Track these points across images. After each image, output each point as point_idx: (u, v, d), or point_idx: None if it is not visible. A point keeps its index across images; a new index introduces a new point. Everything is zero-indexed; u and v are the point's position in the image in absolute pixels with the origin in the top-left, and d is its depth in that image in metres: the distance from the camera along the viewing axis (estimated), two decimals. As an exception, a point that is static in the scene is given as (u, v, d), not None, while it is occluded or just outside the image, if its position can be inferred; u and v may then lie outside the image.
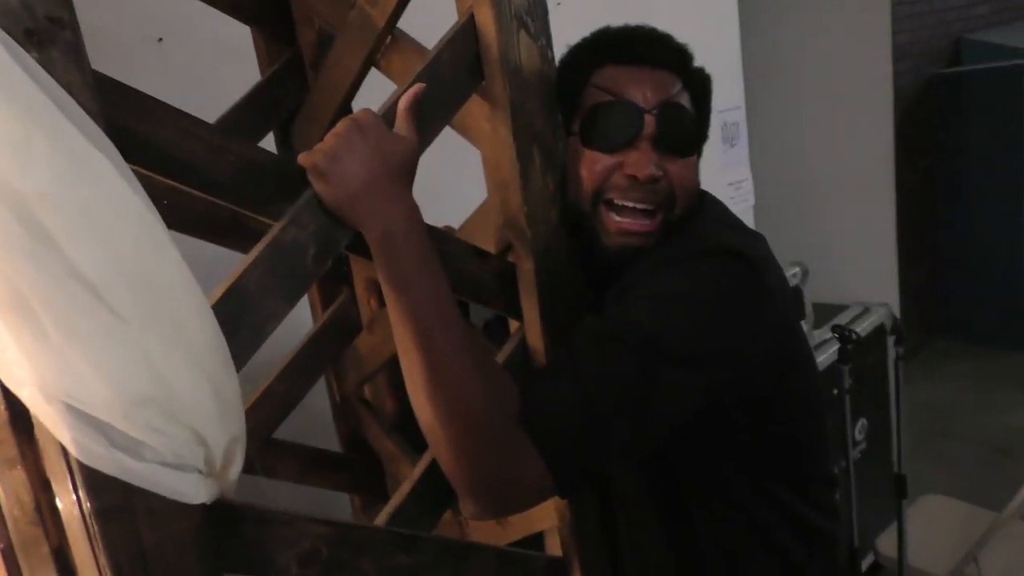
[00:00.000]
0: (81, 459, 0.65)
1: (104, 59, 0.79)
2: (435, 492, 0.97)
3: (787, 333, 1.02)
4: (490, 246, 1.03)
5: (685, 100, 0.97)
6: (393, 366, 1.35)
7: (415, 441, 1.22)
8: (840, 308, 2.56)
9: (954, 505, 2.27)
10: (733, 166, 3.55)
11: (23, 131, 0.59)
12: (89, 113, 0.63)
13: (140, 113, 0.72)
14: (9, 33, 0.60)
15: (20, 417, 1.04)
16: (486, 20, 0.92)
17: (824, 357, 2.05)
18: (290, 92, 1.26)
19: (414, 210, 0.87)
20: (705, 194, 1.06)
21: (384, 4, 1.03)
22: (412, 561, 0.91)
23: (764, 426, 1.01)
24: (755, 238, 1.02)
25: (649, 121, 0.93)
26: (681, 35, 1.01)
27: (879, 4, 4.08)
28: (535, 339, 0.99)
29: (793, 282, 2.03)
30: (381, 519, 0.93)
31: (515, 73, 0.93)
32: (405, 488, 0.95)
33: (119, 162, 0.64)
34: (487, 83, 0.94)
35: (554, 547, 1.07)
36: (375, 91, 1.09)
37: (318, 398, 1.43)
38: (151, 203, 0.66)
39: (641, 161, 0.93)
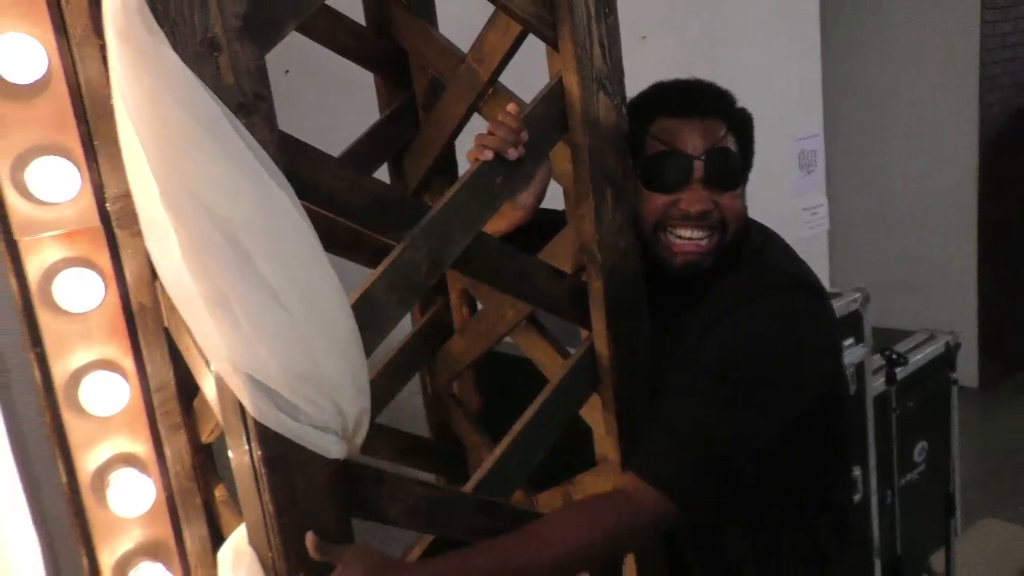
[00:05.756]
0: (256, 417, 0.88)
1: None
2: (511, 470, 1.18)
3: (839, 353, 1.22)
4: (568, 266, 1.23)
5: (730, 141, 1.13)
6: (479, 366, 1.56)
7: (495, 432, 1.42)
8: (906, 334, 2.63)
9: (1010, 529, 2.34)
10: (809, 192, 3.65)
11: (233, 176, 0.82)
12: (276, 162, 0.85)
13: (307, 161, 0.95)
14: (227, 105, 0.83)
15: (184, 393, 1.30)
16: (572, 83, 1.12)
17: (881, 381, 2.15)
18: (404, 129, 1.49)
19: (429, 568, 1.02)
20: (761, 225, 1.22)
21: (489, 62, 1.25)
22: (491, 524, 1.12)
23: (818, 440, 1.18)
24: (804, 265, 1.19)
25: (698, 166, 1.10)
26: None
27: (969, 34, 4.08)
28: (601, 345, 1.18)
29: (853, 307, 2.15)
30: (468, 487, 1.14)
31: (593, 126, 1.12)
32: (488, 464, 1.16)
33: (294, 198, 0.86)
34: (570, 133, 1.14)
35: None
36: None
37: (413, 391, 1.65)
38: (313, 228, 0.88)
39: (694, 199, 1.10)
